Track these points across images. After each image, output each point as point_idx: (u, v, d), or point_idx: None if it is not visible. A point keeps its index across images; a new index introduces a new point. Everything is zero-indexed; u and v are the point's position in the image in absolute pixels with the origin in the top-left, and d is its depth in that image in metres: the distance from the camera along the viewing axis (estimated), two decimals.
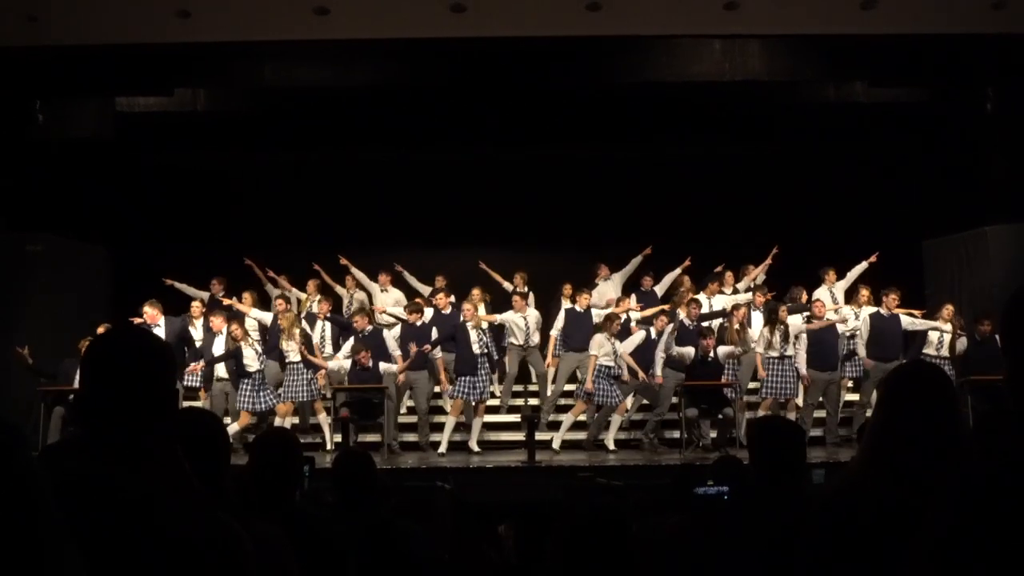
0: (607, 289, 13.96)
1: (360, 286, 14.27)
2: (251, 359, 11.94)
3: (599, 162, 15.60)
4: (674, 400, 12.05)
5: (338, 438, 11.85)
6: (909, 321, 12.44)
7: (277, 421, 12.03)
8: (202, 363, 12.17)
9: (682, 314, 12.47)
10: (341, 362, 12.11)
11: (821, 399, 12.51)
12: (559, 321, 12.89)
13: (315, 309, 13.00)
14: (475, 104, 14.07)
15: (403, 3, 11.26)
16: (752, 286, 13.67)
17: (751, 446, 3.68)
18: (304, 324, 12.51)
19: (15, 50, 11.50)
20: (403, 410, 12.80)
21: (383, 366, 11.83)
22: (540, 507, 7.20)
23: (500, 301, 13.91)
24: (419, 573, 4.92)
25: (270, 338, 12.37)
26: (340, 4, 11.23)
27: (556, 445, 11.98)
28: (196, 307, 13.04)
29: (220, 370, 12.25)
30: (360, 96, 13.59)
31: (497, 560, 6.56)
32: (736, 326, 12.16)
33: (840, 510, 2.76)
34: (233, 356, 11.97)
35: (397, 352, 12.19)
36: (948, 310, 12.14)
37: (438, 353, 12.43)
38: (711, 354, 11.88)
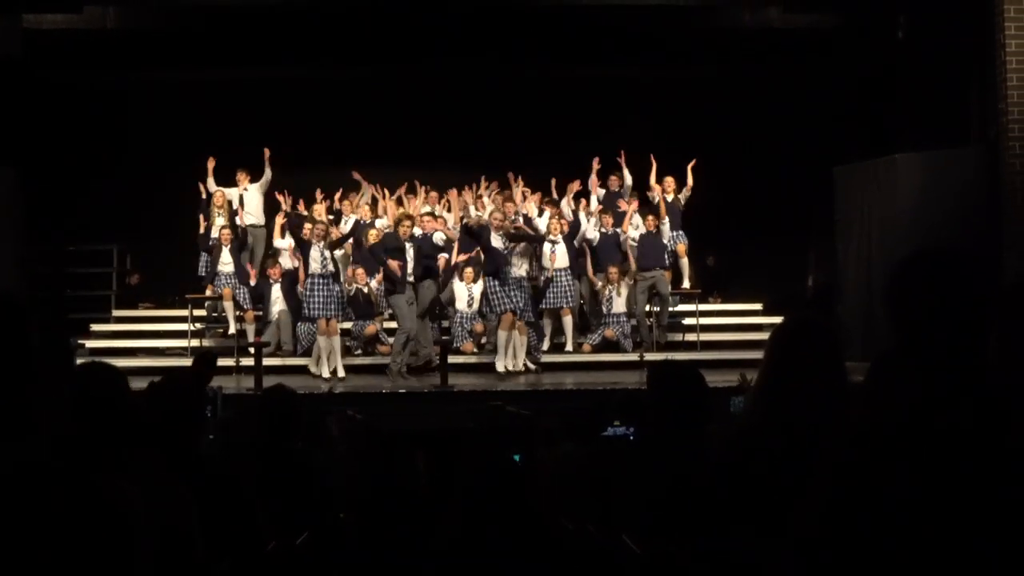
0: None
1: None
2: None
3: (510, 82, 15.35)
4: None
5: None
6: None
7: None
8: None
9: None
10: None
11: None
12: None
13: None
14: (395, 18, 13.73)
15: None
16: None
17: (650, 390, 3.71)
18: None
19: None
20: None
21: None
22: (452, 434, 7.28)
23: None
24: (331, 505, 4.96)
25: None
26: None
27: None
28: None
29: None
30: (273, 12, 13.23)
31: (409, 488, 6.64)
32: None
33: (734, 458, 2.85)
34: None
35: None
36: None
37: None
38: None
